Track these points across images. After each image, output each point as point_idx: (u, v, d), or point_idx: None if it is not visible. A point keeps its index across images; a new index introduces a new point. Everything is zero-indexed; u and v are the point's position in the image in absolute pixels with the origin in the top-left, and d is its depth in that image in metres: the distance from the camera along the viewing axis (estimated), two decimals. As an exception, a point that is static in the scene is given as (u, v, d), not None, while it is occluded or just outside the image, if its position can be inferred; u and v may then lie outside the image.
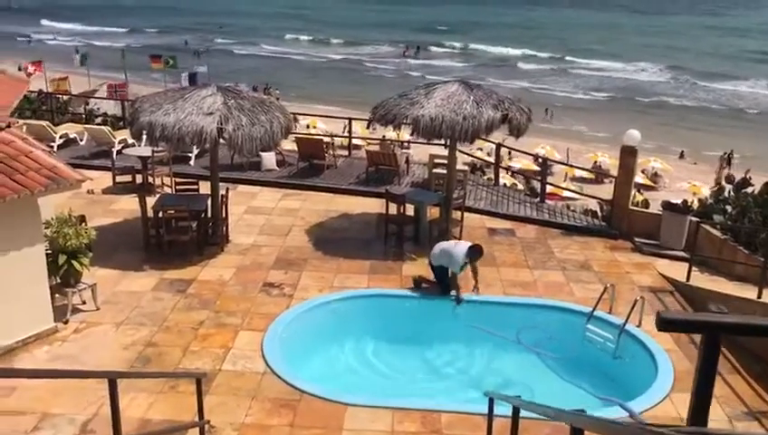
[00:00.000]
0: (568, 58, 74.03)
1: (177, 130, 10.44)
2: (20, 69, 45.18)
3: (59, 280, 9.19)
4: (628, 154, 12.77)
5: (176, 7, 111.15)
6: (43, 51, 60.39)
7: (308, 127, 34.32)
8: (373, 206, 14.00)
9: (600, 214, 14.82)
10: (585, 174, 34.16)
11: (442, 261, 10.12)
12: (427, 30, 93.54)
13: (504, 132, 12.20)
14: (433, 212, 12.79)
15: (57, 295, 9.22)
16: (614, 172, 33.48)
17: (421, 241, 12.20)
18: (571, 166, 27.16)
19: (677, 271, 11.36)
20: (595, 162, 36.40)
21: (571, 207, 16.00)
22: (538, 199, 15.17)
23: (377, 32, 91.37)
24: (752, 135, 44.12)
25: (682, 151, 40.81)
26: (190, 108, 10.69)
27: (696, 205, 13.85)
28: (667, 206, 12.48)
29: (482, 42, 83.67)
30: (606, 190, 30.08)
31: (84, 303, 9.62)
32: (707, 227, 11.52)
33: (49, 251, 9.02)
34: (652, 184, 33.62)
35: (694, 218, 12.19)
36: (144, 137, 11.17)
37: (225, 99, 10.92)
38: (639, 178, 31.26)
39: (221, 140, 10.82)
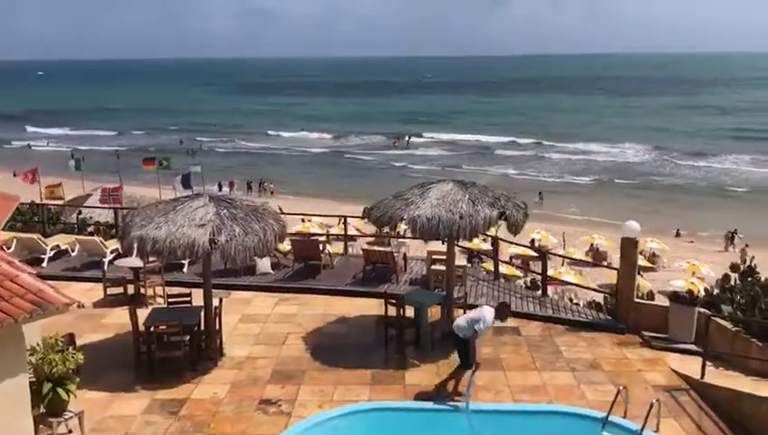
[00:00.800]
0: (552, 143, 75.86)
1: (169, 244, 10.20)
2: (15, 175, 45.52)
3: (43, 410, 8.69)
4: (630, 246, 12.54)
5: (162, 109, 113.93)
6: (35, 157, 61.25)
7: (303, 221, 34.28)
8: (372, 307, 13.62)
9: (604, 306, 14.45)
10: (583, 257, 34.01)
11: (470, 332, 9.76)
12: (409, 121, 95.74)
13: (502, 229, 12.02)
14: (434, 312, 12.43)
15: (41, 426, 8.70)
16: (611, 253, 33.69)
17: (423, 345, 11.77)
18: (568, 258, 26.82)
19: (690, 366, 10.92)
20: (592, 245, 36.27)
21: (574, 300, 15.66)
22: (540, 293, 14.84)
23: (361, 124, 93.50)
24: (742, 212, 44.51)
25: (677, 230, 40.84)
26: (182, 220, 10.49)
27: (701, 294, 13.52)
28: (674, 297, 12.15)
29: (464, 130, 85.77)
30: (606, 273, 29.91)
31: (71, 432, 9.08)
32: (719, 321, 11.14)
33: (33, 379, 8.56)
34: (650, 265, 33.34)
35: (701, 310, 11.84)
36: (135, 251, 10.88)
37: (218, 209, 10.74)
38: (640, 261, 31.04)
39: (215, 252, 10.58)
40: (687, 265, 32.13)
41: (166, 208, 10.89)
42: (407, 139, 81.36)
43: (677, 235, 40.58)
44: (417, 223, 11.02)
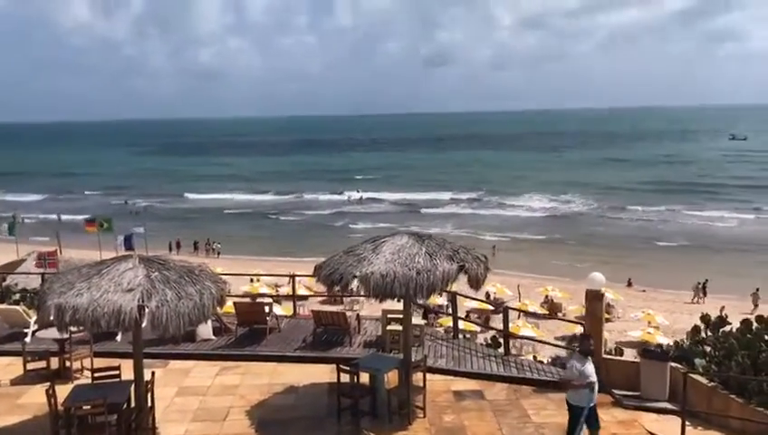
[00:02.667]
0: (491, 198, 76.84)
1: (91, 313, 9.00)
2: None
3: None
4: (595, 298, 11.84)
5: (94, 171, 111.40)
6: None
7: (252, 281, 33.00)
8: (323, 374, 12.51)
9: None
10: (538, 310, 33.49)
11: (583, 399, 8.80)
12: (349, 178, 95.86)
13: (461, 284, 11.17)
14: (391, 378, 11.41)
15: None
16: (566, 304, 33.28)
17: (380, 415, 10.70)
18: (524, 311, 26.13)
19: (668, 427, 10.15)
20: (546, 296, 35.88)
21: (538, 357, 14.83)
22: (502, 352, 13.96)
23: (304, 182, 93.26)
24: (690, 261, 45.38)
25: (629, 280, 40.97)
26: (107, 285, 9.33)
27: (669, 346, 12.86)
28: (645, 353, 11.44)
29: (405, 188, 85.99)
30: (561, 325, 29.41)
31: None
32: (695, 377, 10.42)
33: None
34: (606, 315, 33.02)
35: (674, 364, 11.15)
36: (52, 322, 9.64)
37: (148, 271, 9.62)
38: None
39: (144, 320, 9.44)
40: (642, 315, 31.95)
41: (89, 272, 9.70)
42: (360, 195, 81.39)
43: (629, 284, 40.68)
44: (371, 281, 10.09)
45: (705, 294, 37.65)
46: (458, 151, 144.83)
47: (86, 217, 49.27)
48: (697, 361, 11.10)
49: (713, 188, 78.36)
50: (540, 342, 17.02)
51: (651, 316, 31.27)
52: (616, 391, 11.49)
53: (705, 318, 11.55)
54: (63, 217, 62.57)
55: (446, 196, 79.00)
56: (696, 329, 11.69)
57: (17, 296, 18.87)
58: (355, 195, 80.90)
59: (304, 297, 27.97)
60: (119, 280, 9.42)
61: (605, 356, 12.11)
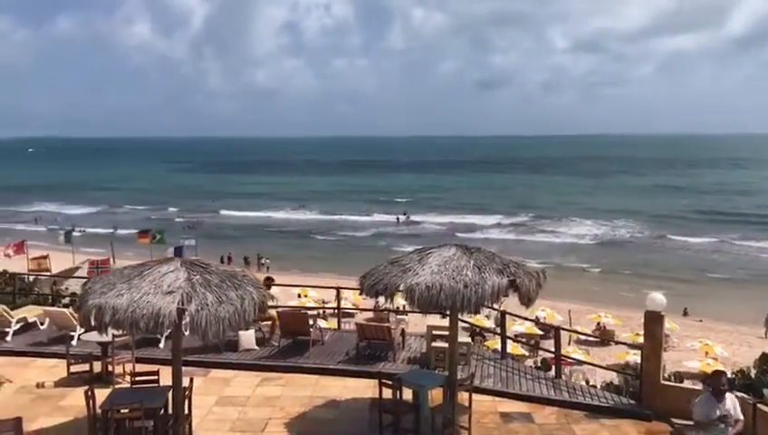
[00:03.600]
0: (539, 223, 75.85)
1: (131, 314, 8.83)
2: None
3: None
4: (654, 321, 11.17)
5: (153, 186, 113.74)
6: (28, 232, 60.36)
7: (299, 296, 32.92)
8: (365, 389, 12.13)
9: (625, 389, 12.92)
10: (590, 337, 32.44)
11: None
12: (388, 200, 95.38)
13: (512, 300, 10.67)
14: (435, 395, 10.94)
15: None
16: (619, 332, 32.19)
17: (423, 433, 10.23)
18: (577, 332, 25.20)
19: (733, 460, 9.39)
20: (598, 323, 34.76)
21: (590, 382, 14.13)
22: (553, 374, 13.33)
23: (356, 202, 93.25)
24: (745, 293, 43.71)
25: (685, 309, 39.49)
26: (147, 287, 9.16)
27: (734, 375, 12.05)
28: (707, 381, 10.68)
29: (447, 211, 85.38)
30: (613, 353, 28.38)
31: None
32: (764, 408, 9.67)
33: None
34: (661, 344, 31.84)
35: (739, 394, 10.38)
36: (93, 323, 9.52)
37: (190, 274, 9.43)
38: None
39: (183, 323, 9.25)
40: (700, 345, 30.58)
41: (131, 274, 9.57)
42: (405, 216, 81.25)
43: (685, 314, 39.22)
44: (416, 292, 9.68)
45: None
46: (506, 175, 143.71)
47: (140, 229, 50.19)
48: (766, 391, 10.33)
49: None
50: (592, 365, 16.28)
51: (709, 347, 29.90)
52: (675, 420, 10.76)
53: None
54: (119, 230, 64.10)
55: (492, 220, 77.93)
56: (764, 357, 10.91)
57: (67, 300, 19.10)
58: (401, 217, 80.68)
59: (350, 314, 27.70)
60: (159, 282, 9.25)
61: (664, 382, 11.39)
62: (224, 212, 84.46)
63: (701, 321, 38.65)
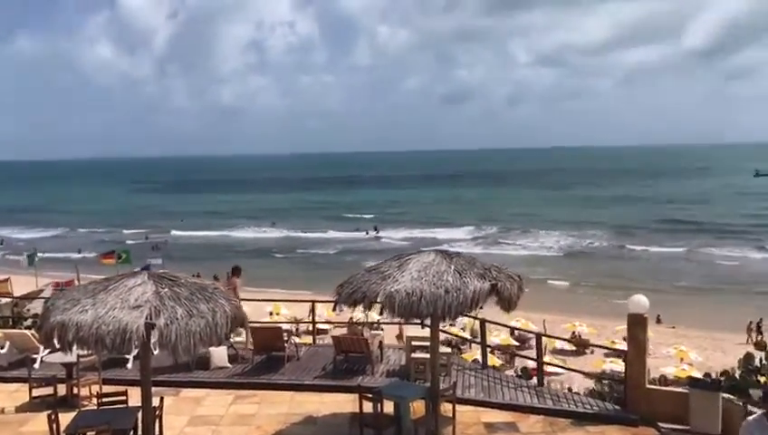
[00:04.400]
0: (506, 235, 76.27)
1: (96, 331, 8.31)
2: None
3: None
4: (637, 324, 10.96)
5: (125, 210, 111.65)
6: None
7: (271, 314, 32.25)
8: (344, 404, 11.71)
9: (609, 395, 12.70)
10: (565, 346, 32.37)
11: None
12: (354, 217, 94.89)
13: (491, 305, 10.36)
14: (417, 407, 10.57)
15: None
16: (593, 341, 32.20)
17: (406, 447, 9.87)
18: (557, 337, 25.08)
19: (724, 464, 9.20)
20: (573, 332, 34.70)
21: (573, 389, 13.88)
22: (536, 382, 13.04)
23: (322, 219, 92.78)
24: (714, 300, 44.31)
25: (658, 316, 39.65)
26: (113, 301, 8.66)
27: (718, 376, 11.90)
28: (694, 382, 10.52)
29: (414, 225, 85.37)
30: (589, 361, 28.29)
31: None
32: (753, 409, 9.49)
33: None
34: (635, 351, 31.87)
35: (726, 395, 10.22)
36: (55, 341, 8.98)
37: (158, 287, 8.94)
38: (624, 347, 29.46)
39: (153, 340, 8.75)
40: (675, 351, 30.65)
41: (95, 289, 9.05)
42: (375, 231, 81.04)
43: (658, 321, 39.40)
44: (396, 299, 9.34)
45: (760, 332, 36.02)
46: (472, 188, 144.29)
47: (104, 251, 48.98)
48: (753, 391, 10.18)
49: (735, 226, 76.58)
50: (575, 371, 15.98)
51: (684, 353, 29.99)
52: (662, 425, 10.56)
53: (759, 344, 10.61)
54: (83, 252, 62.62)
55: (459, 233, 78.09)
56: (748, 357, 10.76)
57: (29, 322, 18.34)
58: (371, 232, 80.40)
59: (324, 331, 27.20)
60: (126, 296, 8.75)
61: (649, 386, 11.18)
62: (189, 233, 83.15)
63: (674, 328, 38.88)
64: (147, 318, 8.45)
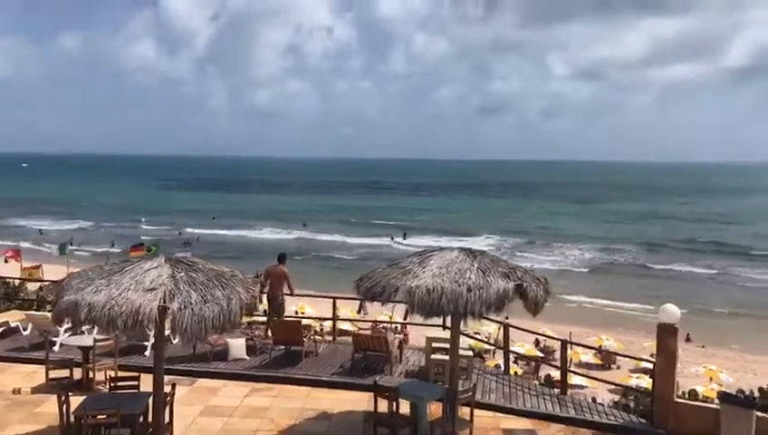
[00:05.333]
0: (532, 247, 75.33)
1: (108, 311, 8.19)
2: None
3: None
4: (667, 334, 10.52)
5: (157, 205, 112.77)
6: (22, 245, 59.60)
7: (296, 313, 32.15)
8: (359, 402, 11.46)
9: (635, 408, 12.23)
10: (591, 359, 31.72)
11: None
12: (381, 223, 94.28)
13: (518, 308, 10.00)
14: (434, 409, 10.25)
15: None
16: (620, 356, 31.54)
17: (421, 449, 9.55)
18: (584, 345, 24.43)
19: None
20: (600, 347, 34.00)
21: (597, 399, 13.42)
22: (558, 391, 12.63)
23: (352, 223, 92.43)
24: (746, 321, 43.22)
25: (688, 334, 38.70)
26: (128, 283, 8.53)
27: (755, 393, 11.36)
28: (726, 398, 10.02)
29: (442, 233, 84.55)
30: (615, 376, 27.62)
31: None
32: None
33: None
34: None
35: (760, 414, 9.72)
36: (67, 322, 8.88)
37: (174, 271, 8.79)
38: (650, 365, 28.75)
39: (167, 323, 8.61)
40: (704, 371, 29.83)
41: (111, 270, 8.95)
42: (403, 234, 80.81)
43: (688, 339, 38.48)
44: (416, 295, 9.05)
45: None
46: (502, 198, 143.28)
47: (134, 243, 49.46)
48: (789, 410, 9.66)
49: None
50: (600, 380, 15.47)
51: (714, 372, 29.16)
52: (690, 441, 10.10)
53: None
54: (115, 247, 63.34)
55: (485, 243, 77.37)
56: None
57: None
58: (397, 238, 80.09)
59: (347, 332, 26.97)
60: (141, 278, 8.62)
61: (678, 400, 10.71)
62: (221, 232, 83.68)
63: (704, 347, 37.93)
64: (160, 301, 8.31)
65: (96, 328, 14.14)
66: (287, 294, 15.45)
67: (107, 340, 12.71)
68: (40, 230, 78.51)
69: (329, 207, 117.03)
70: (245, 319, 28.01)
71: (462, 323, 9.83)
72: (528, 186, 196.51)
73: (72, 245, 60.80)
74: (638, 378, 26.72)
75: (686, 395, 12.66)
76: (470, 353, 13.76)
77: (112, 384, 10.15)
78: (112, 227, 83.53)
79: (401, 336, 19.05)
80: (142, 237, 67.39)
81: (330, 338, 16.82)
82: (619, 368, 32.17)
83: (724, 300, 50.42)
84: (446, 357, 12.00)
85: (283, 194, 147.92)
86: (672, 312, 10.41)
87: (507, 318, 13.89)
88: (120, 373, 11.93)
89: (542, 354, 29.45)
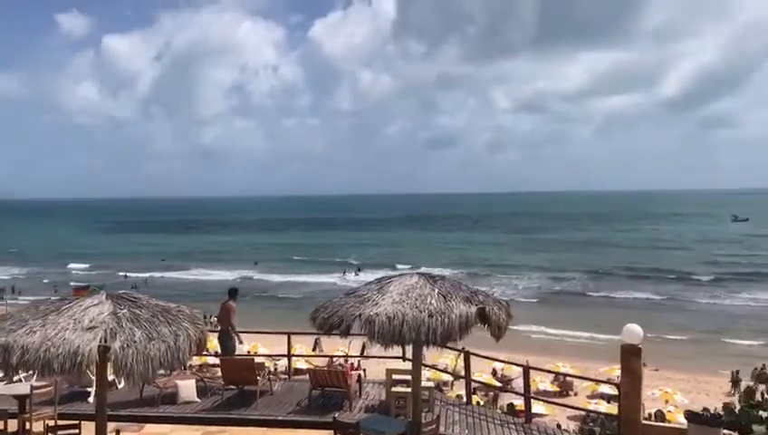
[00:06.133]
0: (479, 278, 75.56)
1: (43, 354, 7.53)
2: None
3: None
4: (631, 354, 10.36)
5: (105, 249, 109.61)
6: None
7: (248, 353, 31.16)
8: (319, 441, 10.90)
9: (601, 432, 11.99)
10: (549, 387, 31.63)
11: None
12: (330, 261, 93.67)
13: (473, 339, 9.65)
14: (396, 445, 9.78)
15: None
16: (577, 383, 31.49)
17: (385, 488, 9.05)
18: (548, 371, 24.23)
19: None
20: (556, 374, 33.95)
21: (562, 426, 13.14)
22: (523, 420, 12.30)
23: (285, 262, 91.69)
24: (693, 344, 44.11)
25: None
26: (65, 322, 7.88)
27: (717, 410, 11.25)
28: (693, 417, 9.85)
29: (389, 268, 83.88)
30: (575, 403, 27.50)
31: None
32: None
33: None
34: (616, 391, 31.14)
35: (727, 431, 9.57)
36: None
37: (116, 308, 8.20)
38: (608, 389, 28.76)
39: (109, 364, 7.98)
40: (660, 393, 30.00)
41: (47, 309, 8.28)
42: (356, 269, 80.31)
43: (643, 364, 38.84)
44: (376, 323, 8.64)
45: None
46: (451, 232, 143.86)
47: (76, 284, 47.80)
48: (756, 427, 9.53)
49: (709, 272, 76.57)
50: (566, 406, 15.24)
51: (669, 395, 29.29)
52: (659, 463, 9.86)
53: (761, 377, 10.00)
54: (59, 292, 61.06)
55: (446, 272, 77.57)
56: (749, 392, 10.14)
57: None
58: (349, 274, 79.36)
59: (301, 372, 26.27)
60: (80, 317, 7.98)
61: (645, 422, 10.51)
62: (168, 274, 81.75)
63: (657, 370, 38.31)
64: (101, 341, 7.70)
65: (35, 375, 13.36)
66: (221, 331, 14.86)
67: (46, 386, 11.86)
68: None
69: (278, 245, 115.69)
70: (197, 361, 27.07)
71: (424, 351, 9.44)
72: (475, 218, 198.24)
73: (13, 292, 58.58)
74: (596, 404, 26.67)
75: (653, 417, 12.47)
76: (431, 385, 13.35)
77: (50, 434, 9.37)
78: (54, 274, 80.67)
79: (360, 372, 18.61)
80: (87, 282, 65.32)
81: (285, 376, 16.21)
82: (576, 395, 32.17)
83: (672, 324, 51.17)
84: (408, 389, 11.58)
85: (233, 234, 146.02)
86: (635, 332, 10.25)
87: (464, 348, 13.56)
88: (60, 422, 11.13)
89: (499, 384, 29.13)
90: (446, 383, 25.37)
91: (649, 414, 12.59)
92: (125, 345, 7.70)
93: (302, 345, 30.99)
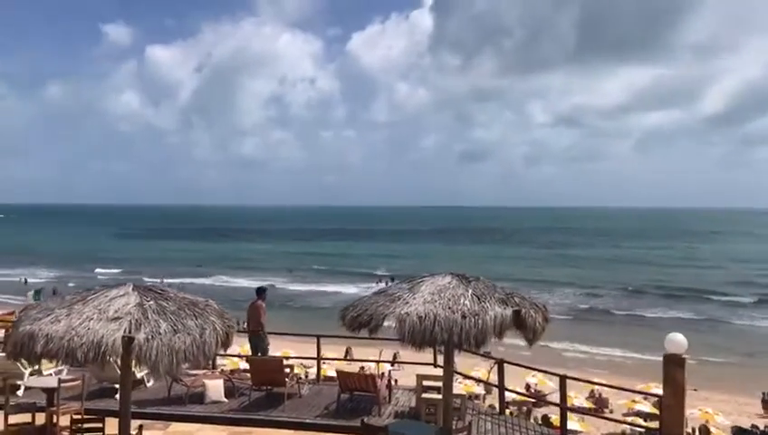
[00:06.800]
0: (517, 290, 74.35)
1: (67, 343, 7.41)
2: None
3: None
4: (674, 365, 9.87)
5: (140, 253, 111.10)
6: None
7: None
8: (346, 445, 10.61)
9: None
10: (584, 403, 30.84)
11: None
12: (364, 272, 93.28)
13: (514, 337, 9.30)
14: (426, 451, 9.46)
15: None
16: (613, 399, 30.65)
17: (413, 494, 8.72)
18: (588, 381, 23.63)
19: None
20: (592, 390, 33.11)
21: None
22: (557, 433, 11.85)
23: (331, 271, 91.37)
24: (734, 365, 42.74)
25: (680, 377, 38.07)
26: (90, 312, 7.77)
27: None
28: (741, 433, 9.31)
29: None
30: (609, 424, 26.79)
31: None
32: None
33: None
34: (656, 411, 30.22)
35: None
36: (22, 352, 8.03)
37: (142, 299, 8.06)
38: (645, 407, 27.92)
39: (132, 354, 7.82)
40: (699, 413, 29.04)
41: (73, 299, 8.18)
42: (390, 279, 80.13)
43: (680, 381, 37.84)
44: (407, 323, 8.35)
45: None
46: (484, 245, 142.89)
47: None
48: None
49: (747, 292, 74.47)
50: (604, 418, 14.65)
51: (710, 415, 28.31)
52: (703, 481, 9.33)
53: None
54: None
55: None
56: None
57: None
58: (384, 283, 78.97)
59: (331, 379, 26.04)
60: (105, 307, 7.86)
61: (688, 436, 9.99)
62: (198, 280, 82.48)
63: (696, 390, 37.19)
64: (125, 331, 7.55)
65: (65, 369, 13.34)
66: (252, 332, 14.74)
67: (74, 380, 11.81)
68: (25, 280, 77.02)
69: (310, 254, 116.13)
70: (229, 365, 26.99)
71: (456, 353, 9.10)
72: (507, 232, 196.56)
73: (54, 293, 59.39)
74: (631, 420, 25.92)
75: (696, 432, 11.90)
76: (463, 393, 12.96)
77: (74, 428, 9.25)
78: (92, 278, 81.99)
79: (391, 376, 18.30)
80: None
81: (314, 380, 15.98)
82: (612, 412, 31.31)
83: (709, 345, 49.75)
84: (438, 396, 11.24)
85: (267, 242, 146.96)
86: (679, 341, 9.77)
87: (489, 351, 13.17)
88: (86, 417, 11.04)
89: (532, 400, 28.48)
90: (477, 396, 24.83)
91: (693, 429, 12.00)
92: (150, 337, 7.55)
93: (333, 353, 30.79)
